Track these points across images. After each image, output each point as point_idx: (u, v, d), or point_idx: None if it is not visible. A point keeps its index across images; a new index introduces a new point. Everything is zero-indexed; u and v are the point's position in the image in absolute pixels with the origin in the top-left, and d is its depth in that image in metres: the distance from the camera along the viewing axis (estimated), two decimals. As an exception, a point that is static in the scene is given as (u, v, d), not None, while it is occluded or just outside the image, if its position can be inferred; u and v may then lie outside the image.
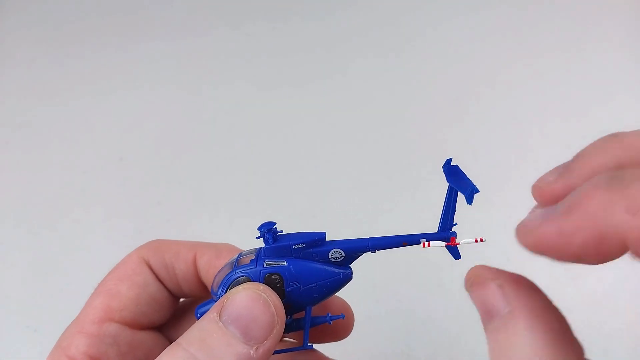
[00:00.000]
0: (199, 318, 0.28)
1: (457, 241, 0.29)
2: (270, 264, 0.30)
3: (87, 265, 0.63)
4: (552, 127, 0.71)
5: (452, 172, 0.28)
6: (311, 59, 0.84)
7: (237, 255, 0.31)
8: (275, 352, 0.29)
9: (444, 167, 0.28)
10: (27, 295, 0.62)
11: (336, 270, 0.30)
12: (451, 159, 0.27)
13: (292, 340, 0.37)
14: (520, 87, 0.75)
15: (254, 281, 0.29)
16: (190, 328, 0.27)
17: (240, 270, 0.30)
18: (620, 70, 0.75)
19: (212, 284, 0.31)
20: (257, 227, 0.30)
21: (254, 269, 0.30)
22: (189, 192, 0.70)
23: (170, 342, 0.34)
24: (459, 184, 0.28)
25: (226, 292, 0.29)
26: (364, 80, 0.80)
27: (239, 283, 0.29)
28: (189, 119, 0.78)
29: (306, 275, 0.30)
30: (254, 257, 0.30)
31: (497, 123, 0.72)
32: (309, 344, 0.31)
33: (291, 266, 0.30)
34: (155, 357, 0.27)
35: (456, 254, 0.30)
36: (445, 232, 0.29)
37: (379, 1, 0.89)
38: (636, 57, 0.76)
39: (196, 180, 0.71)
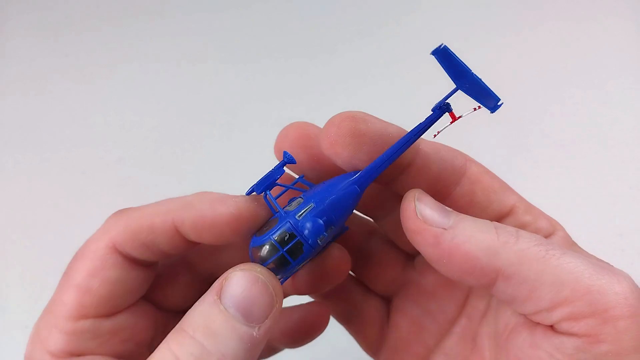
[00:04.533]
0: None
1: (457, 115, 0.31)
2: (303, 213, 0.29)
3: (87, 265, 0.63)
4: (551, 125, 0.71)
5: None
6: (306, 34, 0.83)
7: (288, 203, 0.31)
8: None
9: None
10: (27, 295, 0.62)
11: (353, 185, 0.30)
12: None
13: None
14: (520, 85, 0.75)
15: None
16: (192, 311, 0.27)
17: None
18: (620, 70, 0.75)
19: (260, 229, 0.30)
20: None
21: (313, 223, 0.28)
22: (189, 192, 0.69)
23: (153, 302, 0.35)
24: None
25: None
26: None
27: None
28: (189, 118, 0.78)
29: (335, 207, 0.29)
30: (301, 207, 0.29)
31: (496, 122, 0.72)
32: (346, 226, 0.33)
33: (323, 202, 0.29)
34: (142, 327, 0.28)
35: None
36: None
37: None
38: (636, 56, 0.76)
39: (196, 180, 0.71)
